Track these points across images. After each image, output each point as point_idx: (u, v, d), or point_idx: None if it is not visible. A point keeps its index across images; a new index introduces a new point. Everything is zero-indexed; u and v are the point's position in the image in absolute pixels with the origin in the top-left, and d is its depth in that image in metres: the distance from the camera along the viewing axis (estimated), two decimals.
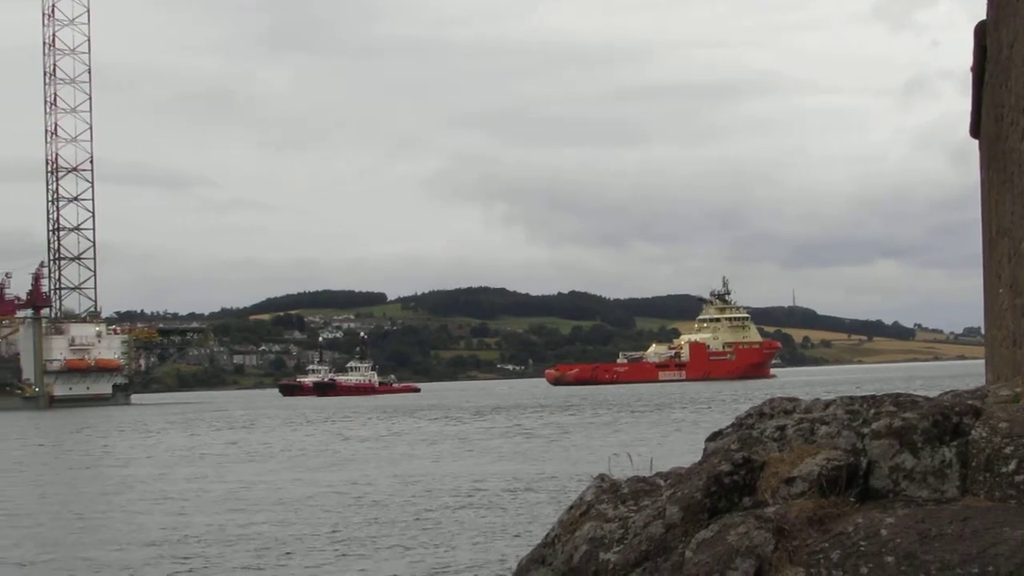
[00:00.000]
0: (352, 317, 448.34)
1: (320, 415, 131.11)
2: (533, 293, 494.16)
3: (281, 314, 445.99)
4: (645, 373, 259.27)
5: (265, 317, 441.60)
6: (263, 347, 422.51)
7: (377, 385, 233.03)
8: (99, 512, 43.46)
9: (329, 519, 38.68)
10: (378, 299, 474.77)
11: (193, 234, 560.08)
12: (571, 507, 9.85)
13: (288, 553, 32.09)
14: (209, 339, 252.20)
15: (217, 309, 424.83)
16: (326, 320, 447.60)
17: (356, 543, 33.46)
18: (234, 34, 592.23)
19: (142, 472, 60.45)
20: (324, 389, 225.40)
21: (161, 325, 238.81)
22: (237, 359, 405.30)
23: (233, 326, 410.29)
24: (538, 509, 38.45)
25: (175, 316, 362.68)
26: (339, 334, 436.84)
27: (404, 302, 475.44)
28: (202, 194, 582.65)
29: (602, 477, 9.99)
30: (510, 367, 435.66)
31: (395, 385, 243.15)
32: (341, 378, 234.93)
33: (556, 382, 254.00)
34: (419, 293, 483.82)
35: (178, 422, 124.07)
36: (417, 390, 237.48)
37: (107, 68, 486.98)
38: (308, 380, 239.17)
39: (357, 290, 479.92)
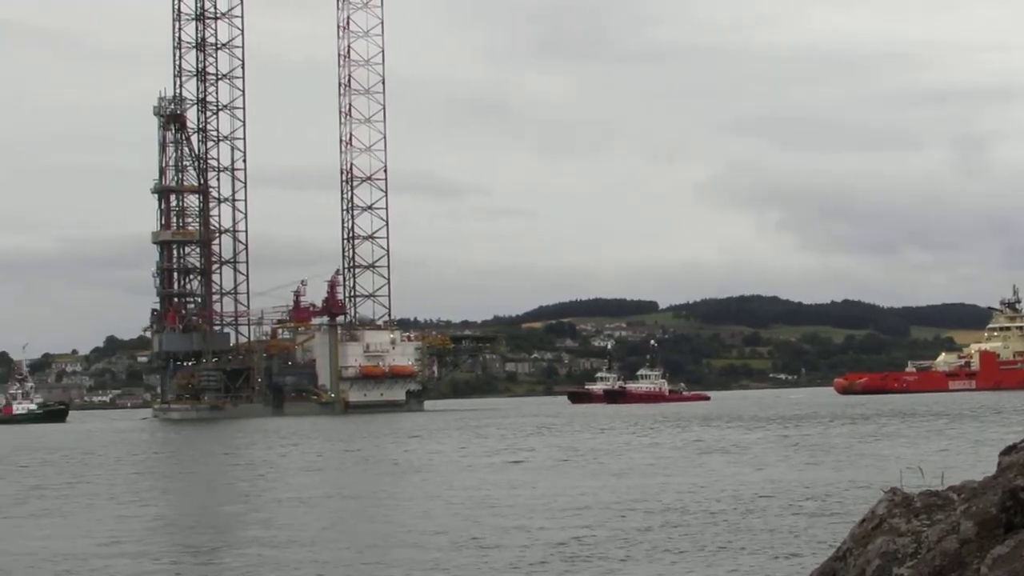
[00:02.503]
0: (624, 325, 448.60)
1: (615, 422, 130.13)
2: (806, 301, 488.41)
3: (553, 322, 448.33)
4: (934, 382, 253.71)
5: (537, 325, 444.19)
6: (535, 355, 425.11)
7: (667, 393, 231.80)
8: (404, 513, 44.25)
9: (626, 524, 39.05)
10: (650, 307, 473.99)
11: (466, 242, 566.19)
12: (863, 520, 9.89)
13: (586, 557, 32.53)
14: (501, 347, 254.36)
15: (489, 317, 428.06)
16: (598, 328, 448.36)
17: (644, 549, 33.82)
18: (506, 42, 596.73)
19: (461, 478, 60.02)
20: (614, 397, 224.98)
21: (459, 332, 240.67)
22: (509, 367, 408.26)
23: (505, 334, 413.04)
24: (829, 521, 38.10)
25: (448, 324, 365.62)
26: (611, 342, 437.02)
27: (676, 310, 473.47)
28: (474, 202, 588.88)
29: (894, 490, 9.92)
30: (782, 376, 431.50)
31: (685, 393, 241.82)
32: (631, 386, 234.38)
33: (845, 391, 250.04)
34: (691, 301, 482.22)
35: (474, 427, 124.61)
36: (707, 398, 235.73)
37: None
38: (597, 388, 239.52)
39: (629, 298, 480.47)
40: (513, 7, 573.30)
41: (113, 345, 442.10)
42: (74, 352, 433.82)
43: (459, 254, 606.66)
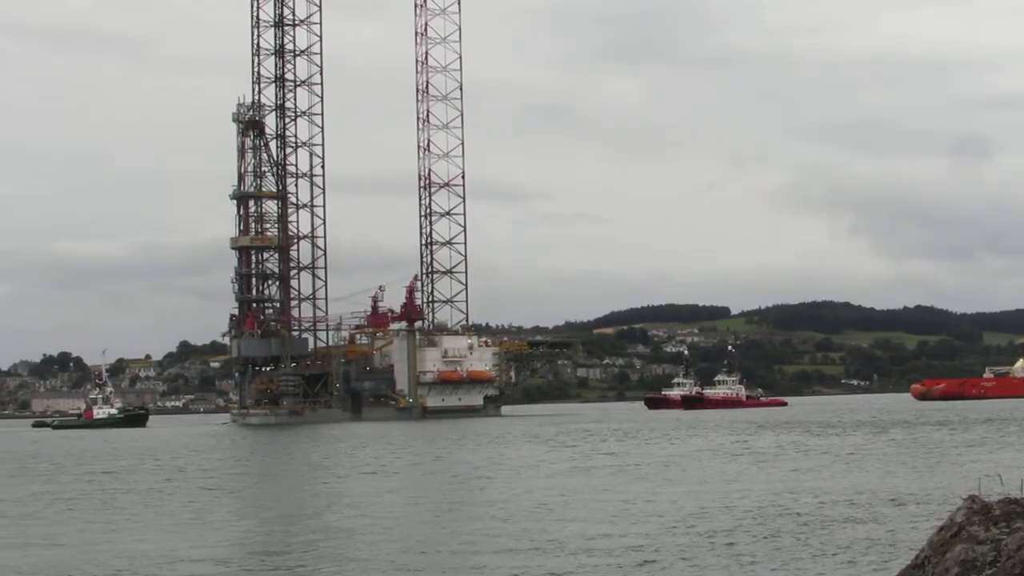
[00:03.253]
0: (696, 331, 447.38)
1: (697, 428, 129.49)
2: (878, 307, 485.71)
3: (625, 328, 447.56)
4: (1013, 388, 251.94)
5: (608, 331, 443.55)
6: (607, 360, 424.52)
7: (744, 398, 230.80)
8: (484, 518, 44.10)
9: (705, 530, 39.05)
10: (722, 313, 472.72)
11: (537, 247, 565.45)
12: (941, 528, 9.78)
13: (665, 564, 32.60)
14: (577, 352, 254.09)
15: (561, 323, 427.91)
16: (670, 334, 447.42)
17: (722, 555, 33.73)
18: (577, 48, 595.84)
19: (541, 483, 59.77)
20: (692, 402, 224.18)
21: (531, 338, 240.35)
22: (581, 372, 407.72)
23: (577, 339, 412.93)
24: (906, 528, 37.79)
25: (519, 329, 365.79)
26: (683, 348, 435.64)
27: (748, 316, 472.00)
28: (544, 207, 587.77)
29: (973, 498, 9.78)
30: (854, 382, 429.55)
31: (762, 399, 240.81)
32: (709, 391, 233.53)
33: (922, 397, 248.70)
34: (763, 307, 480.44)
35: (552, 432, 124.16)
36: (784, 404, 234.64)
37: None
38: (675, 393, 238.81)
39: (701, 304, 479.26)
40: (583, 12, 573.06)
41: (186, 350, 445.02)
42: (148, 357, 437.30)
43: (530, 260, 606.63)
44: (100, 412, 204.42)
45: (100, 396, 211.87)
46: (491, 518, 44.06)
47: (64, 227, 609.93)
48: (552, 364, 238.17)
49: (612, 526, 40.78)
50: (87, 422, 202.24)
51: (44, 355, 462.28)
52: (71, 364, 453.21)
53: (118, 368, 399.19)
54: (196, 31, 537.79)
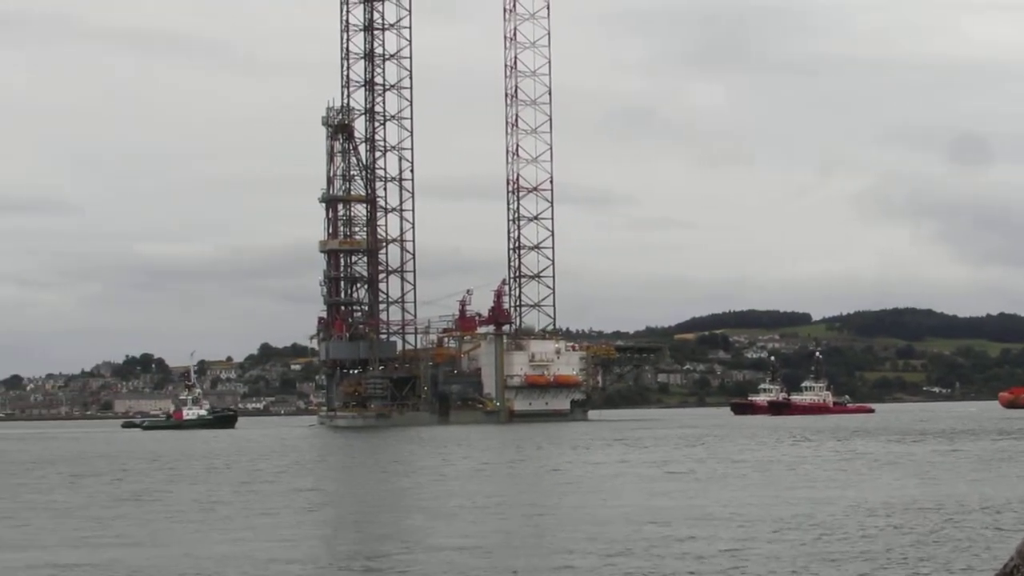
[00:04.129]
0: (776, 337, 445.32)
1: (781, 434, 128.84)
2: (960, 314, 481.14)
3: (706, 333, 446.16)
4: None
5: (690, 336, 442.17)
6: (687, 366, 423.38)
7: (831, 405, 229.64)
8: (574, 522, 44.16)
9: (797, 538, 38.75)
10: (803, 319, 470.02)
11: (619, 252, 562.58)
12: None
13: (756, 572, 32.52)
14: (665, 357, 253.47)
15: (641, 327, 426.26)
16: (751, 340, 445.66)
17: (812, 563, 33.65)
18: (661, 52, 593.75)
19: (631, 487, 59.67)
20: (778, 408, 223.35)
21: (612, 343, 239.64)
22: (661, 378, 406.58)
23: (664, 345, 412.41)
24: (996, 537, 37.60)
25: (599, 334, 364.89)
26: (763, 354, 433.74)
27: (829, 322, 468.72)
28: (626, 212, 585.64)
29: None
30: (936, 390, 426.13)
31: (849, 405, 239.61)
32: (795, 397, 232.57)
33: (1010, 405, 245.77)
34: (844, 313, 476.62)
35: (639, 437, 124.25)
36: (871, 411, 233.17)
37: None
38: (761, 399, 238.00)
39: (782, 310, 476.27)
40: (667, 17, 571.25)
41: (267, 353, 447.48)
42: (229, 359, 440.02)
43: (613, 264, 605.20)
44: (190, 413, 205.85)
45: (189, 397, 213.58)
46: (580, 521, 44.02)
47: (147, 230, 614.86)
48: (639, 369, 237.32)
49: (704, 531, 40.69)
50: (177, 423, 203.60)
51: (127, 356, 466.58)
52: (153, 365, 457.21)
53: (200, 370, 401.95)
54: (283, 35, 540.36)
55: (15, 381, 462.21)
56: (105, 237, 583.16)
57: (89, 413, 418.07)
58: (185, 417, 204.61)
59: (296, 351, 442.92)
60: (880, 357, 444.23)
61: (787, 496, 53.13)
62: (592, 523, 43.51)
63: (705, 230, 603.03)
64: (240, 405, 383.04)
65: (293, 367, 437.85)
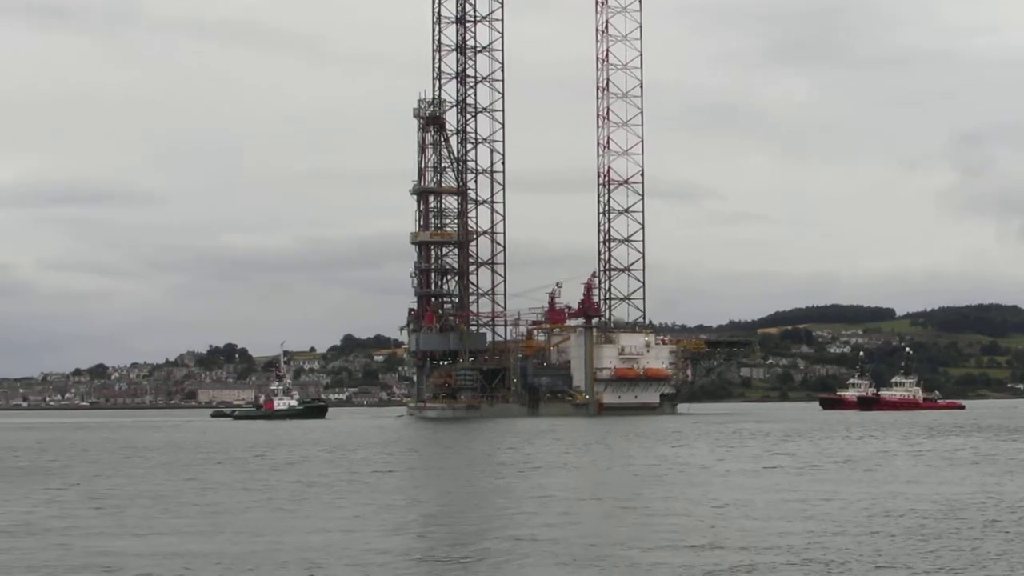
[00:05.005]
0: (860, 332, 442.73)
1: (872, 429, 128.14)
2: None
3: (789, 328, 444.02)
4: None
5: (773, 331, 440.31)
6: (770, 360, 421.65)
7: (921, 400, 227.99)
8: (666, 515, 44.02)
9: (889, 531, 38.73)
10: (887, 314, 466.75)
11: (702, 246, 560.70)
12: None
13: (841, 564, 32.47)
14: (756, 352, 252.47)
15: (725, 322, 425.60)
16: (834, 335, 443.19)
17: (903, 558, 33.54)
18: (742, 46, 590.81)
19: (723, 481, 59.63)
20: (868, 403, 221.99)
21: (697, 337, 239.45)
22: (744, 372, 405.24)
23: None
24: None
25: (683, 328, 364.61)
26: (846, 349, 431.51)
27: (913, 318, 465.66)
28: (711, 206, 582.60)
29: None
30: (1021, 387, 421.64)
31: (939, 401, 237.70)
32: (885, 393, 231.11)
33: None
34: (928, 309, 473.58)
35: (730, 431, 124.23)
36: (961, 407, 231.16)
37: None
38: (850, 394, 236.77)
39: (866, 305, 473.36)
40: (751, 11, 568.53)
41: (350, 344, 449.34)
42: (312, 350, 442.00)
43: (696, 258, 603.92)
44: (280, 404, 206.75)
45: (280, 388, 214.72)
46: (670, 514, 43.94)
47: (233, 221, 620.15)
48: (728, 364, 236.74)
49: (793, 524, 40.63)
50: (267, 413, 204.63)
51: (210, 346, 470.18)
52: (236, 355, 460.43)
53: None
54: (373, 27, 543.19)
55: (100, 370, 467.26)
56: (191, 228, 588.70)
57: (172, 402, 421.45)
58: (276, 407, 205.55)
59: (379, 342, 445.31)
60: (964, 353, 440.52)
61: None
62: (675, 515, 43.65)
63: (789, 225, 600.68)
64: (323, 396, 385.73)
65: (376, 358, 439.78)
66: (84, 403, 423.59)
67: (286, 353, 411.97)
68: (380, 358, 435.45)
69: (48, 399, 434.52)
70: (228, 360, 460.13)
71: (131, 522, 43.31)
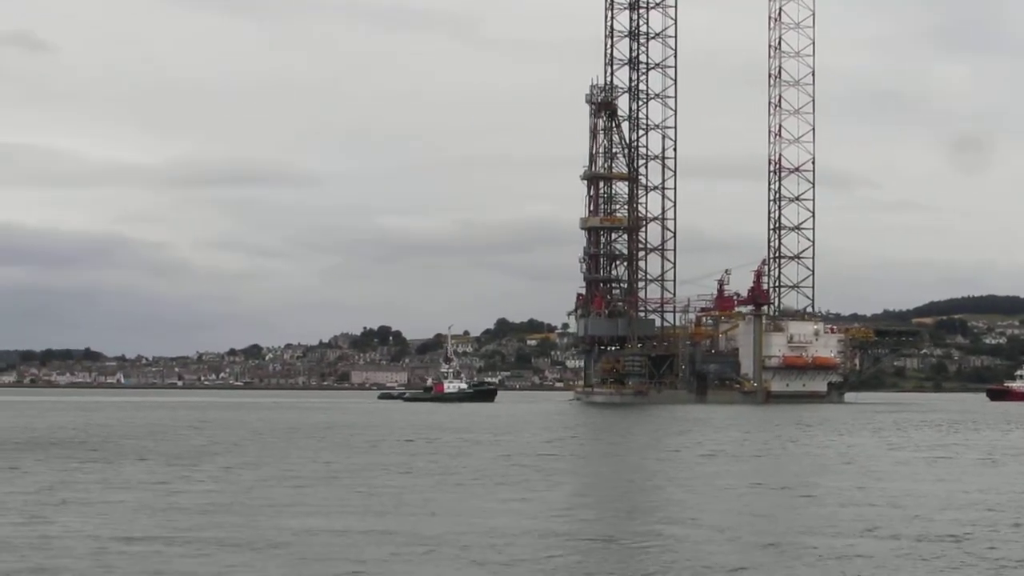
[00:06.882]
0: (1016, 324, 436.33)
1: None
2: None
3: (944, 318, 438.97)
4: None
5: (927, 320, 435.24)
6: (924, 350, 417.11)
7: None
8: (829, 504, 43.45)
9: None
10: None
11: (858, 234, 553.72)
12: None
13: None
14: (924, 342, 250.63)
15: (879, 311, 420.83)
16: (989, 326, 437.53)
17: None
18: (900, 32, 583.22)
19: (894, 471, 58.49)
20: None
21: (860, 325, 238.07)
22: (897, 362, 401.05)
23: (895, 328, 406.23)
24: None
25: (837, 316, 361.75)
26: (1002, 340, 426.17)
27: None
28: (868, 194, 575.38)
29: None
30: None
31: None
32: None
33: None
34: None
35: (899, 421, 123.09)
36: None
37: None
38: (1018, 385, 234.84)
39: (1023, 296, 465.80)
40: None
41: (503, 328, 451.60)
42: (466, 333, 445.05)
43: (852, 246, 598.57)
44: (451, 387, 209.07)
45: (450, 370, 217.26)
46: (839, 505, 42.96)
47: (389, 203, 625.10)
48: (895, 353, 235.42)
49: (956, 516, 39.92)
50: (438, 396, 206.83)
51: (364, 328, 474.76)
52: (390, 338, 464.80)
53: (436, 343, 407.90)
54: (543, 12, 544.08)
55: (254, 351, 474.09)
56: (347, 210, 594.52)
57: (326, 384, 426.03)
58: (446, 390, 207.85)
59: (532, 326, 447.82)
60: None
61: None
62: (844, 505, 43.11)
63: (945, 213, 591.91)
64: (476, 379, 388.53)
65: (529, 342, 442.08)
66: (238, 383, 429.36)
67: (439, 336, 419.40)
68: (533, 342, 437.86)
69: (203, 378, 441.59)
70: (382, 342, 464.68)
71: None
